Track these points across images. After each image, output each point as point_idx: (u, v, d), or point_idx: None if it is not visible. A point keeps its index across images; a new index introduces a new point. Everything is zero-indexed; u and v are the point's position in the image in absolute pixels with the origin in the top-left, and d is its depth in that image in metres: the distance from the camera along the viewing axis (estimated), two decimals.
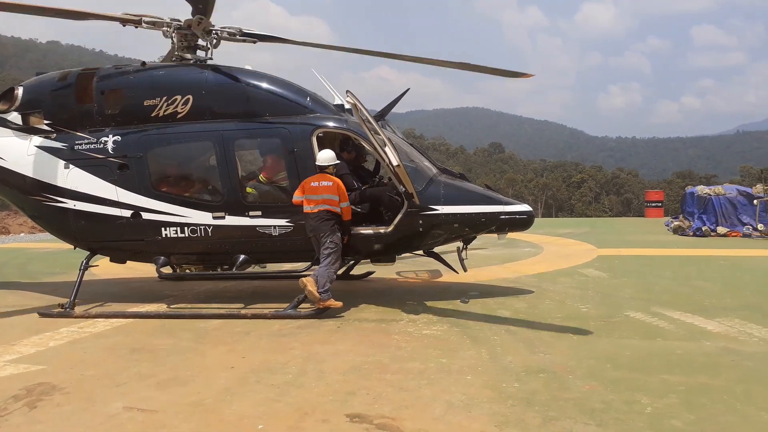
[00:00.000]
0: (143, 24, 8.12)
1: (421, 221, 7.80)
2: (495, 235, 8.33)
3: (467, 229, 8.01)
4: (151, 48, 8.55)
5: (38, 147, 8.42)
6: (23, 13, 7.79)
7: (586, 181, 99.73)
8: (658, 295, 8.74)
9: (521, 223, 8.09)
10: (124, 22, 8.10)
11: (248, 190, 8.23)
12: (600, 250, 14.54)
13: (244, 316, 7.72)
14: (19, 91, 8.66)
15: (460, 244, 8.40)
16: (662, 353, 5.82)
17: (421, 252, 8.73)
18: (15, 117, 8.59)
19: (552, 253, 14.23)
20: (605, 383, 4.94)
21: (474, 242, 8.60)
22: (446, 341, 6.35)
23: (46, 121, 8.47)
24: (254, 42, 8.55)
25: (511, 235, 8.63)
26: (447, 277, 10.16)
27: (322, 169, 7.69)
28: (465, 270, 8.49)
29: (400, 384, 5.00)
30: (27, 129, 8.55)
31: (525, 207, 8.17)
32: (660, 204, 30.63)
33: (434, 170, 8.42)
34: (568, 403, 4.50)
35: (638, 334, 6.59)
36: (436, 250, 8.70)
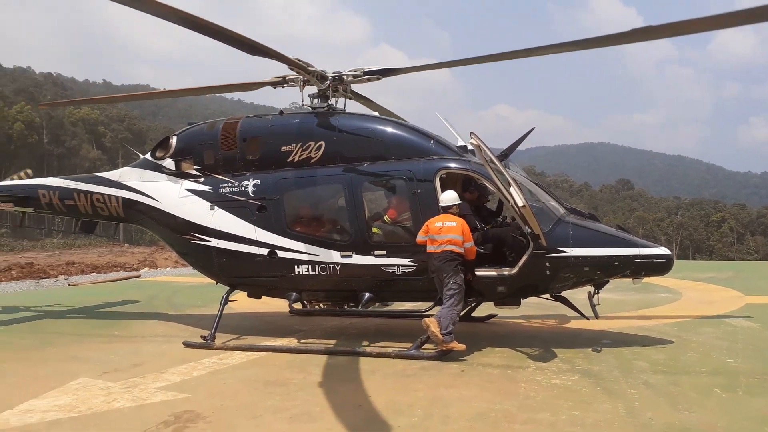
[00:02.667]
0: (288, 83, 8.95)
1: (548, 263, 7.57)
2: (629, 280, 7.88)
3: (599, 272, 7.64)
4: (278, 94, 9.43)
5: (188, 190, 9.26)
6: (209, 94, 9.24)
7: (727, 220, 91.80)
8: None
9: (659, 267, 7.59)
10: (274, 85, 9.09)
11: (374, 230, 8.45)
12: (748, 297, 13.19)
13: (369, 354, 7.85)
14: (174, 140, 9.65)
15: (591, 288, 8.02)
16: None
17: (547, 296, 8.43)
18: (169, 163, 9.55)
19: (692, 299, 13.13)
20: None
21: (605, 286, 8.17)
22: (578, 392, 6.04)
23: (195, 167, 9.33)
24: (378, 78, 8.79)
25: (646, 279, 8.11)
26: (576, 323, 9.71)
27: (446, 210, 7.75)
28: (596, 316, 8.08)
29: None
30: (179, 174, 9.46)
31: (663, 250, 7.68)
32: None
33: (562, 210, 8.18)
34: None
35: None
36: (564, 293, 8.36)
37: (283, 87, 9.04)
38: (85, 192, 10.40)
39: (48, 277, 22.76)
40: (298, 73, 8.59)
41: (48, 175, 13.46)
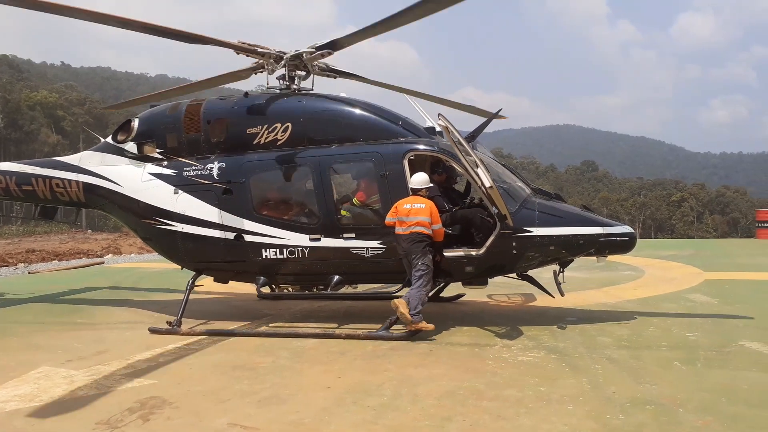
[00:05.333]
0: (255, 53, 8.50)
1: (514, 243, 7.66)
2: (593, 258, 8.03)
3: (564, 251, 7.77)
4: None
5: (151, 174, 9.06)
6: (197, 90, 9.42)
7: (687, 200, 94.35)
8: None
9: (622, 245, 7.76)
10: (255, 71, 8.82)
11: (342, 212, 8.41)
12: (707, 273, 13.59)
13: (339, 336, 7.86)
14: (135, 123, 9.40)
15: (556, 267, 8.15)
16: None
17: (514, 275, 8.54)
18: (131, 146, 9.32)
19: (654, 276, 13.48)
20: (721, 419, 4.60)
21: (570, 264, 8.31)
22: (544, 369, 6.15)
23: (158, 150, 9.13)
24: (330, 53, 8.51)
25: (609, 257, 8.29)
26: (542, 301, 9.87)
27: (415, 192, 7.75)
28: (562, 294, 8.22)
29: (498, 412, 4.90)
30: (141, 157, 9.24)
31: (626, 228, 7.84)
32: None
33: (528, 191, 8.27)
34: None
35: (756, 365, 6.10)
36: (531, 272, 8.48)
37: (263, 72, 8.82)
38: (44, 177, 10.09)
39: (7, 266, 22.13)
40: (247, 56, 8.41)
41: (5, 161, 13.02)
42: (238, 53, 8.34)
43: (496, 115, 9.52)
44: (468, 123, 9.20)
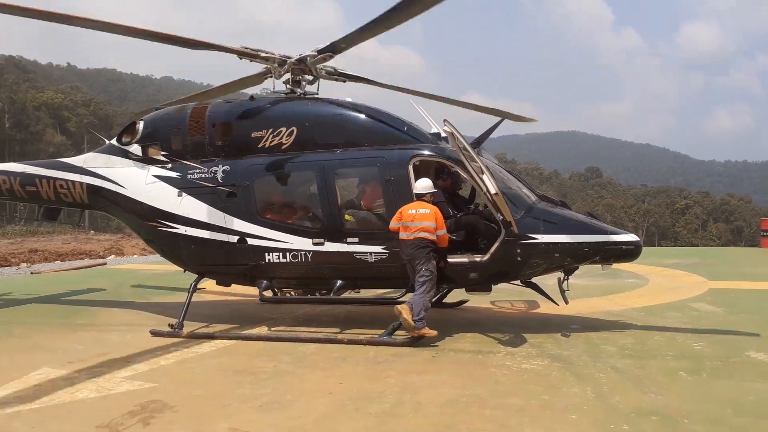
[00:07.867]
0: (259, 58, 8.42)
1: (519, 250, 7.61)
2: (598, 266, 7.98)
3: (569, 259, 7.72)
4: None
5: (155, 176, 9.04)
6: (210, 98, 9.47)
7: (692, 208, 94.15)
8: None
9: (627, 253, 7.72)
10: (264, 76, 8.78)
11: (346, 217, 8.37)
12: (712, 282, 13.52)
13: (341, 341, 7.81)
14: (140, 125, 9.39)
15: (560, 274, 8.09)
16: None
17: (518, 282, 8.49)
18: (135, 148, 9.31)
19: (658, 284, 13.40)
20: (727, 430, 4.54)
21: (575, 272, 8.25)
22: (547, 377, 6.10)
23: (162, 152, 9.11)
24: (331, 56, 8.39)
25: (614, 265, 8.23)
26: (545, 308, 9.80)
27: (420, 197, 7.71)
28: (566, 302, 8.17)
29: (501, 420, 4.85)
30: (146, 159, 9.23)
31: (632, 237, 7.79)
32: None
33: (533, 198, 8.22)
34: None
35: (763, 376, 6.03)
36: (534, 279, 8.43)
37: (271, 77, 8.78)
38: (48, 178, 10.09)
39: (9, 266, 22.16)
40: (251, 60, 8.39)
41: (9, 161, 13.02)
42: (241, 58, 8.31)
43: (500, 122, 9.44)
44: (477, 125, 9.14)
